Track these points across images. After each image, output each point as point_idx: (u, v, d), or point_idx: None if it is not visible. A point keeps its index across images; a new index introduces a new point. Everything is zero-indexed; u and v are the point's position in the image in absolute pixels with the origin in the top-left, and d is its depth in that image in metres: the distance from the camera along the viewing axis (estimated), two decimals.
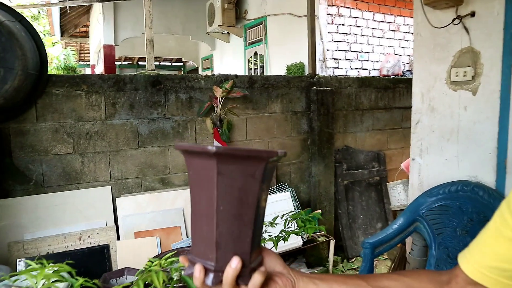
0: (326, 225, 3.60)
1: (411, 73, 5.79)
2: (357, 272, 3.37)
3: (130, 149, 2.85)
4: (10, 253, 2.52)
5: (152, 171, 2.94)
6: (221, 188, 0.55)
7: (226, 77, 3.13)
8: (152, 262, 1.02)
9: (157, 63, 13.63)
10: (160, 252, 2.73)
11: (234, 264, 0.57)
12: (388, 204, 3.92)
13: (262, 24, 6.78)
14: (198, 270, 0.58)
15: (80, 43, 11.71)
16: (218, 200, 0.56)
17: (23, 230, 2.59)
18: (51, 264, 1.30)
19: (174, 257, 1.04)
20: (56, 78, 2.60)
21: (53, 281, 1.10)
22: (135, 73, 2.82)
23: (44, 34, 15.22)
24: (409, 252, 2.61)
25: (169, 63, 14.49)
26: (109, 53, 7.56)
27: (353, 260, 3.64)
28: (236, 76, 3.18)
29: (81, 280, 1.03)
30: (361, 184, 3.87)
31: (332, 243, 3.35)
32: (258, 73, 7.07)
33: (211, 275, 0.58)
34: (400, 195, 3.03)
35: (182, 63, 14.41)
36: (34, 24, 15.73)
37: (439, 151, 2.50)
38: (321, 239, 3.39)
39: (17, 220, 2.58)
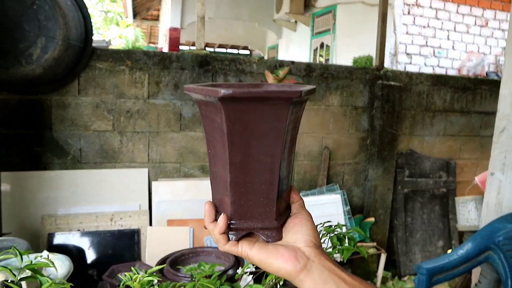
0: (378, 236, 3.23)
1: (497, 75, 5.11)
2: None
3: (171, 131, 2.69)
4: (43, 225, 2.47)
5: (192, 157, 2.76)
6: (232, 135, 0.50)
7: (281, 63, 2.85)
8: (132, 277, 0.80)
9: (224, 49, 13.65)
10: (192, 245, 2.56)
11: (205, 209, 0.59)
12: (453, 221, 3.44)
13: (331, 12, 6.37)
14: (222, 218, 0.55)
15: (151, 26, 11.98)
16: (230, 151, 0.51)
17: (58, 205, 2.54)
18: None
19: (158, 273, 0.80)
20: (100, 52, 2.49)
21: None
22: (182, 51, 2.63)
23: (120, 16, 15.87)
24: (475, 284, 2.19)
25: (236, 50, 14.45)
26: (174, 36, 7.58)
27: (405, 278, 3.23)
28: (293, 62, 2.89)
29: (49, 282, 0.83)
30: (424, 195, 3.42)
31: (383, 256, 2.98)
32: None
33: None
34: (470, 214, 2.59)
35: (248, 52, 14.31)
36: (112, 6, 16.50)
37: None
38: (371, 251, 3.03)
39: (52, 193, 2.53)
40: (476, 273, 2.31)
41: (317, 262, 0.53)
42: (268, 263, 0.54)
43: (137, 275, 0.78)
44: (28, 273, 0.99)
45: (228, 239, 0.56)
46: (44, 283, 0.89)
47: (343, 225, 1.05)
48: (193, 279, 1.02)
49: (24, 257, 1.06)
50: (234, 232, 0.56)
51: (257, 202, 0.55)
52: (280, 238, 0.56)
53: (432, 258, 3.32)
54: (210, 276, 1.05)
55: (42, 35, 2.10)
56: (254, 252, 0.55)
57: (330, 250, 1.02)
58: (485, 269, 2.12)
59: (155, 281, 0.79)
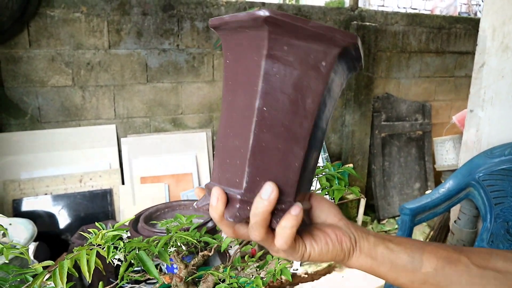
0: (359, 184, 3.23)
1: (469, 15, 5.05)
2: None
3: (137, 83, 2.50)
4: (6, 192, 2.31)
5: (162, 110, 2.60)
6: (269, 78, 0.39)
7: (251, 4, 2.66)
8: (97, 233, 0.68)
9: None
10: (168, 201, 2.46)
11: (267, 193, 0.40)
12: (429, 162, 3.47)
13: None
14: (215, 197, 0.42)
15: None
16: (262, 95, 0.39)
17: (20, 169, 2.36)
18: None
19: (121, 229, 0.69)
20: None
21: None
22: None
23: None
24: (455, 221, 2.21)
25: None
26: None
27: (384, 221, 3.28)
28: (263, 3, 2.71)
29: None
30: (400, 138, 3.41)
31: (363, 201, 2.99)
32: None
33: (235, 206, 0.42)
34: (448, 154, 2.58)
35: None
36: None
37: (508, 102, 2.00)
38: (351, 196, 3.03)
39: (12, 157, 2.34)
40: (454, 211, 2.34)
41: (358, 231, 0.49)
42: (328, 251, 0.46)
43: (101, 230, 0.67)
44: None
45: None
46: None
47: (332, 165, 0.96)
48: (170, 233, 0.93)
49: None
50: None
51: (288, 184, 0.43)
52: (310, 221, 0.50)
53: (409, 200, 3.37)
54: (188, 229, 0.96)
55: None
56: (310, 247, 0.46)
57: (319, 191, 0.93)
58: (465, 206, 2.14)
59: (124, 236, 0.68)
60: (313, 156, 0.45)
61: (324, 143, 2.98)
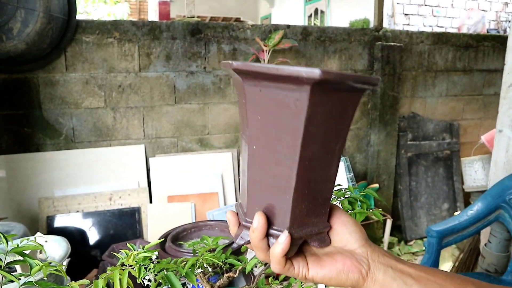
0: (384, 203, 3.18)
1: (498, 32, 4.96)
2: (415, 259, 2.96)
3: (165, 105, 2.59)
4: (41, 209, 2.41)
5: (189, 130, 2.67)
6: (310, 130, 0.41)
7: (276, 27, 2.72)
8: (128, 253, 0.72)
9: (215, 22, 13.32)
10: (194, 220, 2.50)
11: (255, 223, 0.46)
12: (458, 182, 3.39)
13: None
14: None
15: (140, 2, 11.64)
16: (302, 147, 0.42)
17: (54, 186, 2.46)
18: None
19: (160, 250, 0.73)
20: (86, 24, 2.35)
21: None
22: (173, 20, 2.50)
23: None
24: (485, 244, 2.15)
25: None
26: (163, 10, 7.32)
27: (411, 243, 3.21)
28: (288, 26, 2.76)
29: (39, 266, 0.76)
30: (427, 158, 3.36)
31: (389, 222, 2.94)
32: None
33: (241, 230, 0.50)
34: (477, 174, 2.53)
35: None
36: None
37: None
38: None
39: (48, 175, 2.45)
40: (485, 233, 2.27)
41: (376, 261, 0.48)
42: (331, 278, 0.47)
43: (132, 251, 0.71)
44: (19, 257, 0.92)
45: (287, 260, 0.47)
46: (34, 266, 0.82)
47: (355, 188, 0.97)
48: (196, 254, 0.96)
49: (17, 241, 0.99)
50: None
51: (316, 203, 0.47)
52: (330, 240, 0.50)
53: (437, 221, 3.30)
54: (214, 250, 0.99)
55: (21, 7, 1.97)
56: (314, 271, 0.48)
57: None
58: (495, 228, 2.08)
59: (154, 257, 0.72)
60: (314, 182, 0.46)
61: (349, 162, 2.98)
